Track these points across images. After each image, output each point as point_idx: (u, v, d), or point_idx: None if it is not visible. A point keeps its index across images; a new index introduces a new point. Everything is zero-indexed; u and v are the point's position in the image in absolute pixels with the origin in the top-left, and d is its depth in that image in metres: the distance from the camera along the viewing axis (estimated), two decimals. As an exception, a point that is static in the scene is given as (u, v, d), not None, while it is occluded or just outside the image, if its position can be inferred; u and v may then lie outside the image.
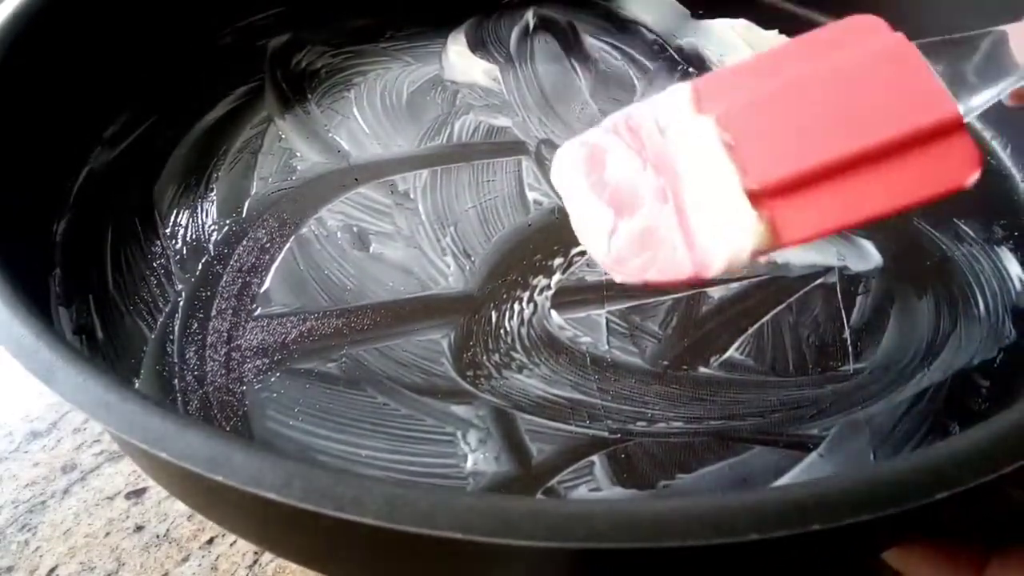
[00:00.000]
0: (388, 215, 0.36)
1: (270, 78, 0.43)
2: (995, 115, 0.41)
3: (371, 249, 0.35)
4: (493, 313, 0.32)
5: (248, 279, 0.33)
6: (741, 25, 0.47)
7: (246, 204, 0.37)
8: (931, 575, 0.24)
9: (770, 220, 0.23)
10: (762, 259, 0.34)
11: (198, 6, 0.43)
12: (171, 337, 0.31)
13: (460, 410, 0.29)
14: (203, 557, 0.32)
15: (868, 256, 0.36)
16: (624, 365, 0.31)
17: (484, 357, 0.31)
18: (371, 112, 0.42)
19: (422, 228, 0.36)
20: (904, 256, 0.36)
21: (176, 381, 0.30)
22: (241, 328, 0.32)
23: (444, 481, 0.27)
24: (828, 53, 0.24)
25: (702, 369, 0.31)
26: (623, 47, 0.47)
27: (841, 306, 0.34)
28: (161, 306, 0.32)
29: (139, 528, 0.33)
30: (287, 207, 0.36)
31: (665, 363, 0.31)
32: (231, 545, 0.32)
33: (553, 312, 0.33)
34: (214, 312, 0.32)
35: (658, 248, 0.25)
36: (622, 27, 0.49)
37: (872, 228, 0.37)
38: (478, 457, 0.28)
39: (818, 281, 0.34)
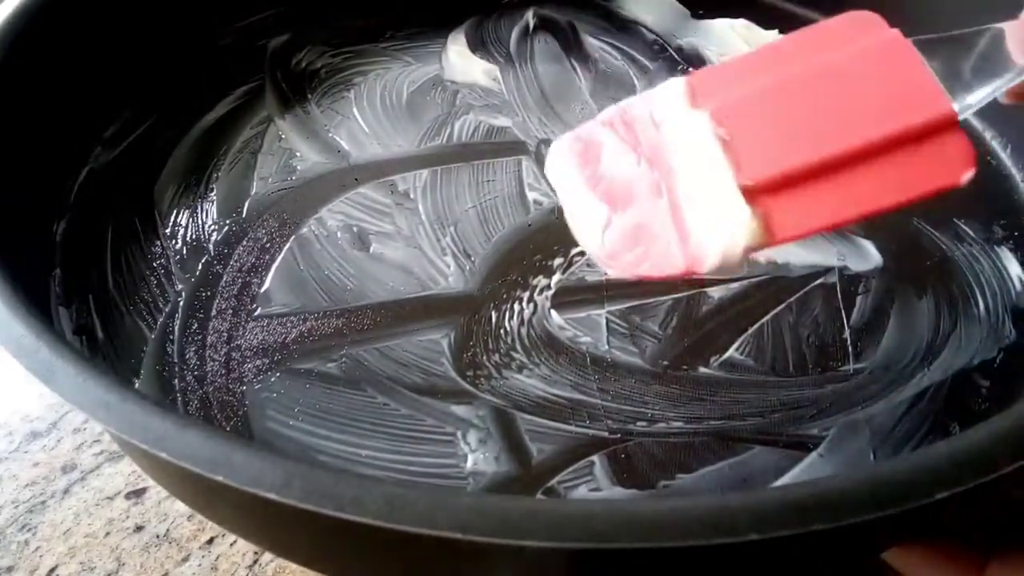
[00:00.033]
0: (388, 215, 0.36)
1: (270, 78, 0.43)
2: (995, 115, 0.41)
3: (371, 249, 0.35)
4: (493, 313, 0.32)
5: (248, 279, 0.33)
6: (741, 25, 0.47)
7: (246, 204, 0.37)
8: (931, 575, 0.24)
9: (763, 216, 0.23)
10: (762, 258, 0.35)
11: (198, 6, 0.43)
12: (171, 337, 0.31)
13: (460, 410, 0.29)
14: (203, 557, 0.32)
15: (868, 256, 0.36)
16: (624, 365, 0.31)
17: (484, 357, 0.31)
18: (371, 112, 0.42)
19: (422, 228, 0.36)
20: (904, 256, 0.36)
21: (176, 381, 0.30)
22: (241, 328, 0.32)
23: (444, 481, 0.27)
24: (824, 49, 0.24)
25: (702, 369, 0.31)
26: (623, 47, 0.47)
27: (841, 306, 0.34)
28: (161, 306, 0.32)
29: (139, 528, 0.33)
30: (287, 207, 0.36)
31: (665, 363, 0.31)
32: (231, 545, 0.32)
33: (553, 312, 0.33)
34: (214, 312, 0.32)
35: (651, 243, 0.25)
36: (622, 27, 0.49)
37: (872, 228, 0.37)
38: (478, 457, 0.28)
39: (818, 281, 0.34)
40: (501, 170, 0.39)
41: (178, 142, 0.39)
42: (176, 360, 0.31)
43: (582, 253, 0.34)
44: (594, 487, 0.28)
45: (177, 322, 0.32)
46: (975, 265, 0.36)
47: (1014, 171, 0.40)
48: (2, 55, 0.33)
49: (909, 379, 0.31)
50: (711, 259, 0.24)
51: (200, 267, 0.34)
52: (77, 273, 0.33)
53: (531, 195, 0.37)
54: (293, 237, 0.35)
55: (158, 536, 0.32)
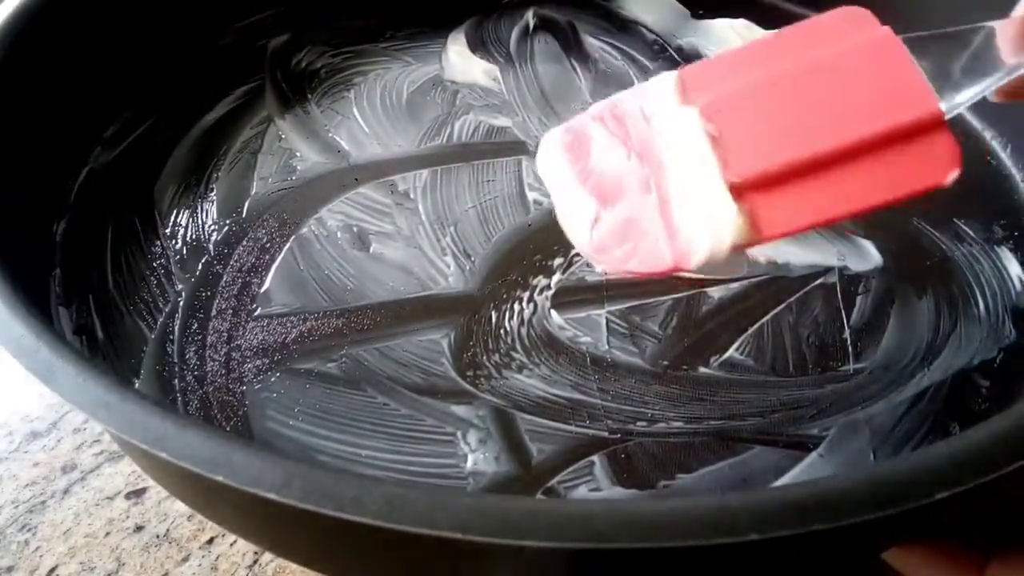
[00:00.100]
0: (388, 215, 0.36)
1: (270, 78, 0.43)
2: (996, 115, 0.41)
3: (371, 249, 0.35)
4: (493, 313, 0.32)
5: (248, 279, 0.33)
6: (741, 25, 0.47)
7: (246, 204, 0.37)
8: (931, 575, 0.24)
9: (750, 213, 0.23)
10: (762, 258, 0.35)
11: (198, 6, 0.43)
12: (171, 337, 0.31)
13: (460, 410, 0.29)
14: (203, 557, 0.32)
15: (868, 256, 0.36)
16: (624, 365, 0.31)
17: (484, 357, 0.31)
18: (371, 112, 0.42)
19: (422, 228, 0.36)
20: (904, 256, 0.36)
21: (176, 381, 0.30)
22: (241, 328, 0.32)
23: (444, 481, 0.27)
24: (814, 46, 0.24)
25: (702, 369, 0.31)
26: (623, 47, 0.47)
27: (841, 306, 0.34)
28: (161, 306, 0.32)
29: (139, 528, 0.33)
30: (287, 207, 0.36)
31: (665, 363, 0.31)
32: (231, 545, 0.32)
33: (553, 312, 0.33)
34: (214, 312, 0.32)
35: (640, 239, 0.25)
36: (622, 27, 0.49)
37: (872, 228, 0.37)
38: (478, 457, 0.28)
39: (818, 281, 0.34)
40: (501, 170, 0.39)
41: (178, 142, 0.39)
42: (176, 360, 0.31)
43: (582, 253, 0.34)
44: (594, 487, 0.28)
45: (177, 322, 0.32)
46: (975, 265, 0.36)
47: (1014, 171, 0.40)
48: (2, 55, 0.33)
49: (909, 379, 0.31)
50: (698, 255, 0.24)
51: (200, 267, 0.34)
52: (77, 273, 0.33)
53: (531, 195, 0.37)
54: (293, 237, 0.35)
55: (158, 536, 0.32)
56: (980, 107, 0.40)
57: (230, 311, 0.32)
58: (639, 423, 0.29)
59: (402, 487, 0.17)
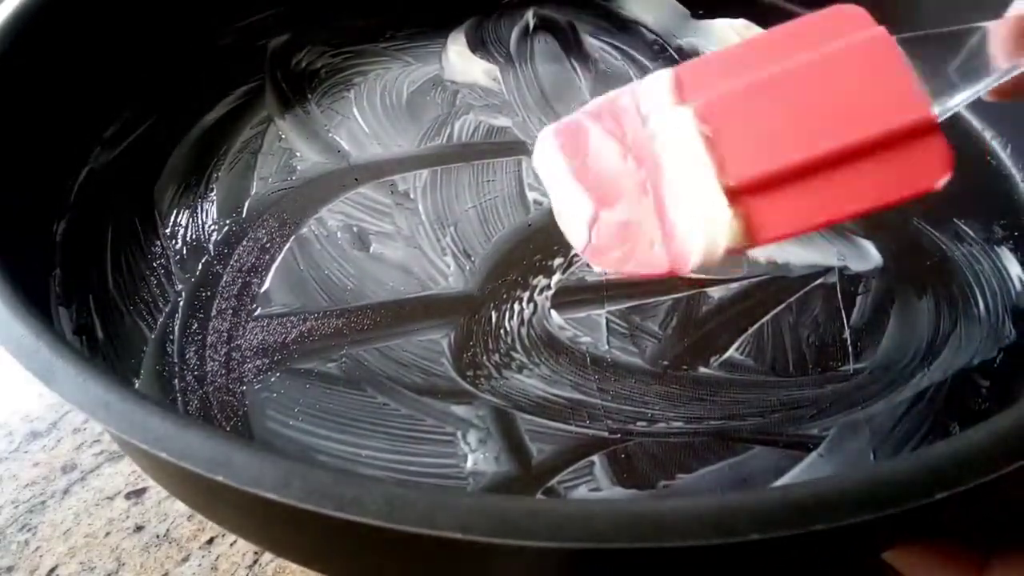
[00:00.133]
0: (388, 215, 0.36)
1: (270, 78, 0.43)
2: (996, 115, 0.41)
3: (371, 249, 0.35)
4: (493, 313, 0.32)
5: (248, 279, 0.33)
6: (741, 25, 0.47)
7: (246, 204, 0.37)
8: (931, 575, 0.24)
9: (745, 217, 0.23)
10: (762, 258, 0.35)
11: (198, 6, 0.43)
12: (171, 337, 0.31)
13: (460, 410, 0.29)
14: (203, 557, 0.32)
15: (868, 256, 0.36)
16: (624, 365, 0.31)
17: (484, 357, 0.31)
18: (371, 112, 0.42)
19: (422, 228, 0.36)
20: (904, 256, 0.36)
21: (176, 381, 0.30)
22: (241, 328, 0.32)
23: (444, 481, 0.27)
24: (809, 45, 0.24)
25: (702, 369, 0.31)
26: (623, 47, 0.47)
27: (841, 306, 0.34)
28: (161, 306, 0.32)
29: (139, 528, 0.33)
30: (287, 207, 0.36)
31: (665, 363, 0.31)
32: (231, 545, 0.32)
33: (553, 312, 0.33)
34: (214, 312, 0.32)
35: (637, 241, 0.25)
36: (622, 27, 0.49)
37: (872, 228, 0.37)
38: (478, 457, 0.28)
39: (818, 281, 0.34)
40: (501, 170, 0.39)
41: (178, 142, 0.39)
42: (176, 360, 0.31)
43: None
44: (594, 487, 0.28)
45: (177, 322, 0.32)
46: (975, 265, 0.36)
47: (1014, 171, 0.40)
48: (2, 55, 0.33)
49: (909, 379, 0.31)
50: (693, 259, 0.24)
51: (200, 267, 0.34)
52: (77, 273, 0.33)
53: (531, 195, 0.37)
54: (293, 237, 0.35)
55: (158, 536, 0.32)
56: (980, 107, 0.40)
57: (230, 311, 0.32)
58: (639, 423, 0.29)
59: (402, 487, 0.17)
